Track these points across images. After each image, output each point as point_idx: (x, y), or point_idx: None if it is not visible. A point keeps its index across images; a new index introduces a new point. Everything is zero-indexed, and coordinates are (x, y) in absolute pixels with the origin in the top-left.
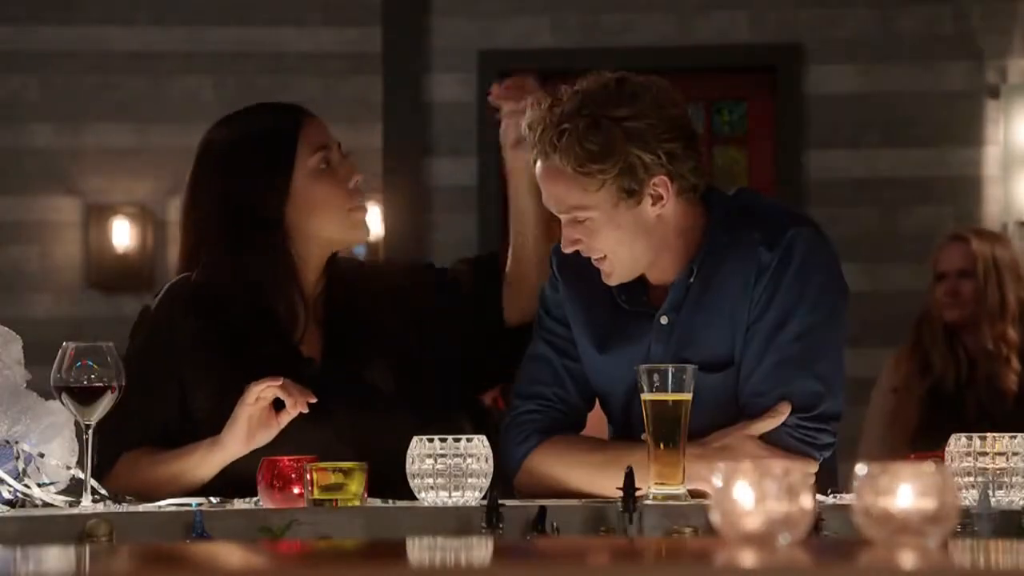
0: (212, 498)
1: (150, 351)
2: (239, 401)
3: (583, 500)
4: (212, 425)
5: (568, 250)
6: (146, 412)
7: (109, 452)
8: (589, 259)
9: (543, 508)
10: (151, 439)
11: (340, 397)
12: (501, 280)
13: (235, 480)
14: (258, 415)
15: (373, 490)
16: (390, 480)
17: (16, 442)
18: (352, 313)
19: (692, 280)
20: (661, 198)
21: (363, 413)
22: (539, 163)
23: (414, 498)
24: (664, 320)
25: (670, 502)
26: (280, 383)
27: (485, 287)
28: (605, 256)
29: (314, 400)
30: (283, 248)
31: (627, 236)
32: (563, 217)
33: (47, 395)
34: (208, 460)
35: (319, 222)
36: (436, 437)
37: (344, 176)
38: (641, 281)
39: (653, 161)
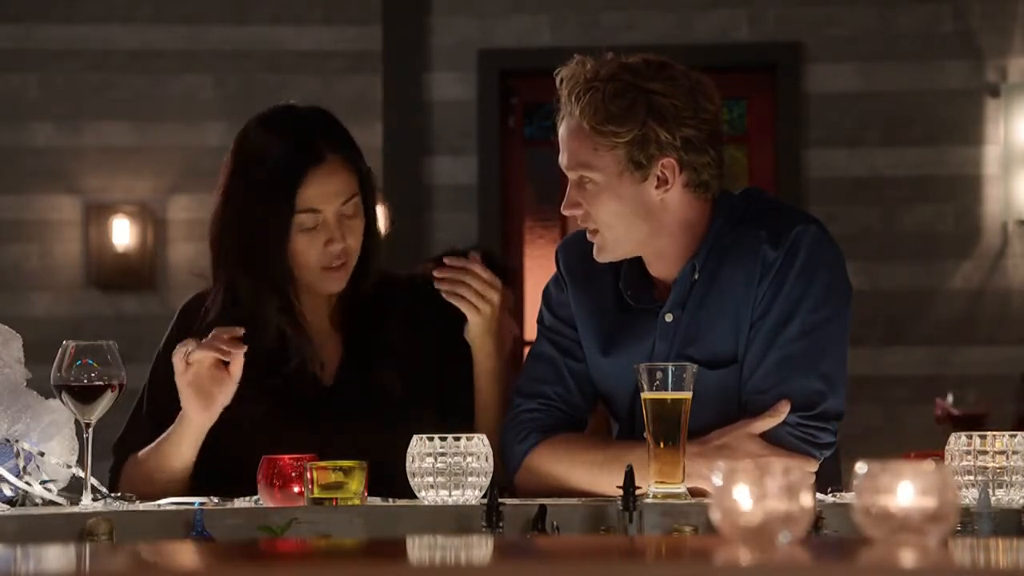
0: (212, 497)
1: (162, 367)
2: (176, 374)
3: (583, 499)
4: (228, 437)
5: (567, 212)
6: (154, 426)
7: (116, 462)
8: (595, 259)
9: (543, 507)
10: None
11: (354, 411)
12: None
13: (235, 479)
14: (205, 375)
15: (376, 492)
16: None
17: (16, 440)
18: (367, 327)
19: (696, 277)
20: (666, 182)
21: (379, 428)
22: (561, 125)
23: (415, 498)
24: (668, 317)
25: (670, 500)
26: (198, 344)
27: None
28: (598, 230)
29: (241, 333)
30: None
31: (626, 211)
32: (570, 176)
33: (47, 393)
34: (180, 436)
35: (295, 268)
36: (436, 436)
37: (328, 239)
38: (646, 278)
39: (668, 141)
